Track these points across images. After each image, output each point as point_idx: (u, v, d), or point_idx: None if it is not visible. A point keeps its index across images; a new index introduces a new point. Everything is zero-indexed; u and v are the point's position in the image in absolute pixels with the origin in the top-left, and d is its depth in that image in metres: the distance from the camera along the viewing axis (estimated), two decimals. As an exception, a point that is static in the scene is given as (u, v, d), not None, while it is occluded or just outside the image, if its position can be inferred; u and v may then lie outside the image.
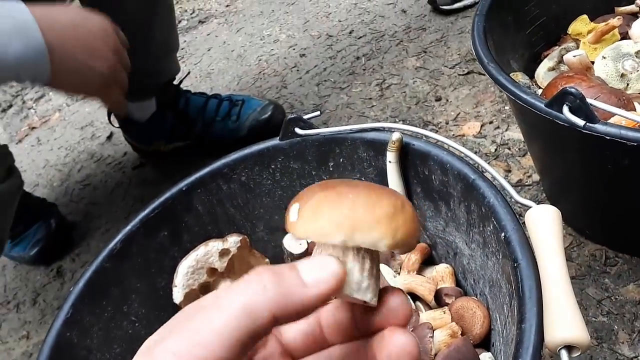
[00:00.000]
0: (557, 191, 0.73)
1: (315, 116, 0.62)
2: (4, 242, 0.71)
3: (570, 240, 0.72)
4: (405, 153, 0.57)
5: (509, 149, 0.87)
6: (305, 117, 0.61)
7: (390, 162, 0.56)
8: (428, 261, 0.61)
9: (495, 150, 0.88)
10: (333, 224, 0.24)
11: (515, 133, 0.89)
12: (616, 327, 0.63)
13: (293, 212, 0.26)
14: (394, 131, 0.55)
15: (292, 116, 0.61)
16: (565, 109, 0.49)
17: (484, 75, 0.99)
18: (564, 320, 0.37)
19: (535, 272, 0.40)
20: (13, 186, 0.71)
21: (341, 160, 0.62)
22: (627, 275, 0.67)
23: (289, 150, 0.63)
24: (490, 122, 0.93)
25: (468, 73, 1.05)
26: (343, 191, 0.25)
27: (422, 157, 0.55)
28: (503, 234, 0.44)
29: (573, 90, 0.48)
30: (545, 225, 0.42)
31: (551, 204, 0.45)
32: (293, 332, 0.26)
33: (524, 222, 0.44)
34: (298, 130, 0.61)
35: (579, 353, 0.37)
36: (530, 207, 0.44)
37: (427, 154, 0.54)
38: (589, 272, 0.68)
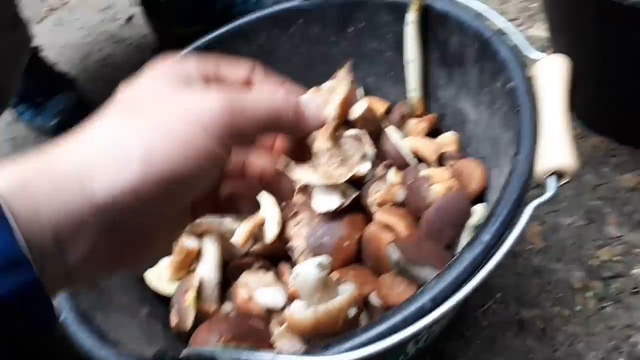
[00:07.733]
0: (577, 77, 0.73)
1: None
2: (7, 100, 0.72)
3: (575, 133, 0.73)
4: (425, 18, 0.57)
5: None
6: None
7: (409, 22, 0.56)
8: (436, 132, 0.63)
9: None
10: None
11: (539, 31, 0.88)
12: (608, 209, 0.66)
13: None
14: (416, -9, 0.55)
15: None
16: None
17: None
18: (554, 149, 0.40)
19: (532, 113, 0.42)
20: (17, 41, 0.71)
21: (361, 25, 0.62)
22: (627, 165, 0.69)
23: (309, 12, 0.63)
24: (516, 19, 0.91)
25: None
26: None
27: (442, 19, 0.55)
28: (510, 84, 0.46)
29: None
30: (551, 72, 0.43)
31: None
32: None
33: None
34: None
35: (567, 180, 0.39)
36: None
37: (447, 14, 0.54)
38: (590, 161, 0.70)
